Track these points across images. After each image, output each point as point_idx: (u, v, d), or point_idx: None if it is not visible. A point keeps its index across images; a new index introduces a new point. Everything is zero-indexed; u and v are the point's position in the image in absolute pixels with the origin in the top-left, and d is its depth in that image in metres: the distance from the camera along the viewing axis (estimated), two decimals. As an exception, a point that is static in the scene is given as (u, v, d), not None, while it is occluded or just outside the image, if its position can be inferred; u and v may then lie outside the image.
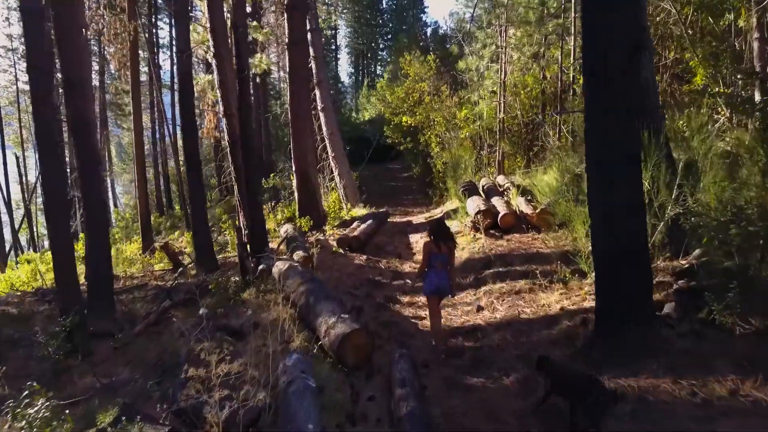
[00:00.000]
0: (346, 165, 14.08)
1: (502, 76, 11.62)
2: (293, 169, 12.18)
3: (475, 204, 8.66)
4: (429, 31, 36.79)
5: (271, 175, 24.19)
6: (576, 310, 5.25)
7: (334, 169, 14.09)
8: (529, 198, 8.58)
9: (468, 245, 8.00)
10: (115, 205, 37.06)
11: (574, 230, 7.05)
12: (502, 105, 11.69)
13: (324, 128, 14.18)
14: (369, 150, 24.65)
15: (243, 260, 8.05)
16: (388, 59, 48.73)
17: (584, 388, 3.21)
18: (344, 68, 75.02)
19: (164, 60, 30.40)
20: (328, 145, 14.13)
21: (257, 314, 6.81)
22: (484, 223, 7.98)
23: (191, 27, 13.54)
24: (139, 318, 7.76)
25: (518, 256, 7.13)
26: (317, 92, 14.22)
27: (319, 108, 14.20)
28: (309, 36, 14.22)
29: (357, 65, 53.32)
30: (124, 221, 32.98)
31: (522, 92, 12.40)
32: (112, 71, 31.42)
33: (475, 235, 8.23)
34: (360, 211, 12.82)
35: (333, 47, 50.07)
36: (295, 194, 12.14)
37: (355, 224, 10.35)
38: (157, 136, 30.62)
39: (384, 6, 51.76)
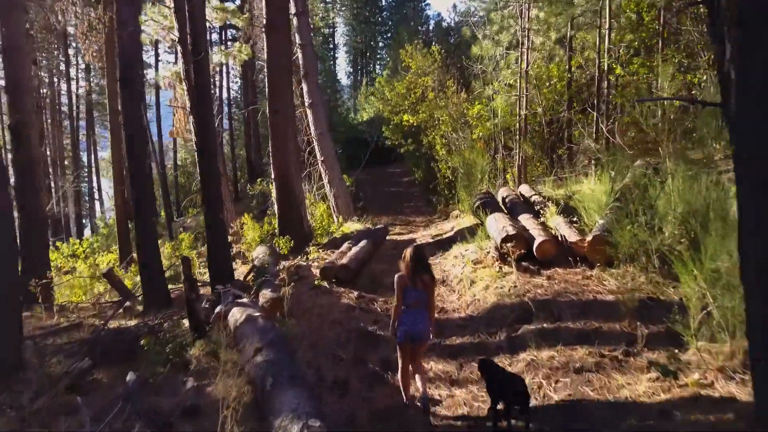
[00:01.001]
0: (337, 171, 12.05)
1: (524, 65, 9.62)
2: (272, 177, 10.16)
3: (499, 225, 6.62)
4: (432, 24, 34.62)
5: (258, 180, 22.19)
6: (686, 408, 3.22)
7: (323, 175, 12.06)
8: (573, 219, 6.50)
9: (493, 282, 5.96)
10: (102, 211, 35.06)
11: (647, 267, 5.02)
12: (524, 100, 9.71)
13: (312, 128, 12.16)
14: (366, 152, 22.66)
15: (191, 303, 6.00)
16: (387, 59, 47.04)
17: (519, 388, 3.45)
18: (342, 67, 72.94)
19: (149, 56, 28.29)
20: (316, 147, 12.11)
21: (201, 387, 4.81)
22: (515, 253, 5.93)
23: (156, 9, 11.54)
24: (55, 380, 5.75)
25: (568, 304, 5.08)
26: (304, 86, 12.20)
27: (306, 104, 12.18)
28: (295, 21, 12.23)
29: (355, 64, 51.64)
30: (108, 228, 31.00)
31: (546, 84, 10.37)
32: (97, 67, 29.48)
33: (501, 268, 6.19)
34: (353, 225, 10.79)
35: (331, 46, 48.45)
36: (275, 207, 10.11)
37: (345, 246, 8.31)
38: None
39: (383, 3, 50.06)
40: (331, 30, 49.59)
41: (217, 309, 6.15)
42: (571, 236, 6.00)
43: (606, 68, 9.31)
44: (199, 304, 6.27)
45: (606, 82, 9.55)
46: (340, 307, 6.36)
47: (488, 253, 6.69)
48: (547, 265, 5.97)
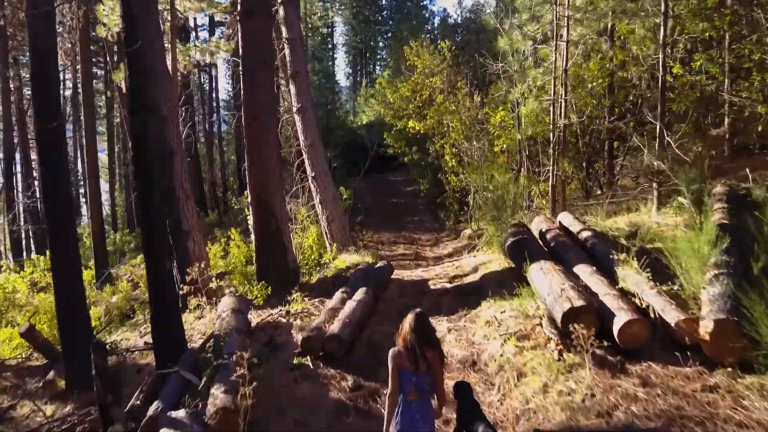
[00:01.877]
0: (331, 189, 10.08)
1: (563, 63, 7.65)
2: (249, 200, 8.21)
3: (555, 285, 4.64)
4: (436, 20, 32.55)
5: (245, 192, 20.25)
6: None
7: (314, 194, 10.10)
8: (673, 293, 4.40)
9: (553, 379, 4.00)
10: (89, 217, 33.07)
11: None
12: (561, 106, 7.74)
13: (301, 137, 10.19)
14: (366, 159, 20.72)
15: (104, 408, 4.04)
16: (388, 59, 45.36)
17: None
18: (341, 68, 71.48)
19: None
20: (306, 160, 10.15)
21: None
22: (587, 337, 3.95)
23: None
24: None
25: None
26: (292, 88, 10.25)
27: (294, 109, 10.22)
28: (281, 10, 10.30)
29: (355, 65, 49.99)
30: (90, 238, 29.07)
31: (586, 86, 8.41)
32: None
33: (561, 356, 4.22)
34: (350, 258, 8.81)
35: (330, 46, 46.84)
36: (252, 237, 8.14)
37: (338, 297, 6.32)
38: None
39: (384, 2, 48.42)
40: (330, 29, 47.97)
41: (151, 409, 4.19)
42: (670, 313, 4.02)
43: (662, 66, 7.34)
44: (120, 409, 4.30)
45: (663, 84, 7.58)
46: (327, 408, 4.39)
47: (538, 324, 4.72)
48: (634, 355, 4.00)
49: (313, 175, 10.01)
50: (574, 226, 6.73)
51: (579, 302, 4.22)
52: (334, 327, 5.31)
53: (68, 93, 28.12)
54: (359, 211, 18.93)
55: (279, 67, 12.14)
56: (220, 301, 6.72)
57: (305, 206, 10.71)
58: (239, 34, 8.02)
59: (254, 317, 6.73)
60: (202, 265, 8.82)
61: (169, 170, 8.40)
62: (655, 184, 6.85)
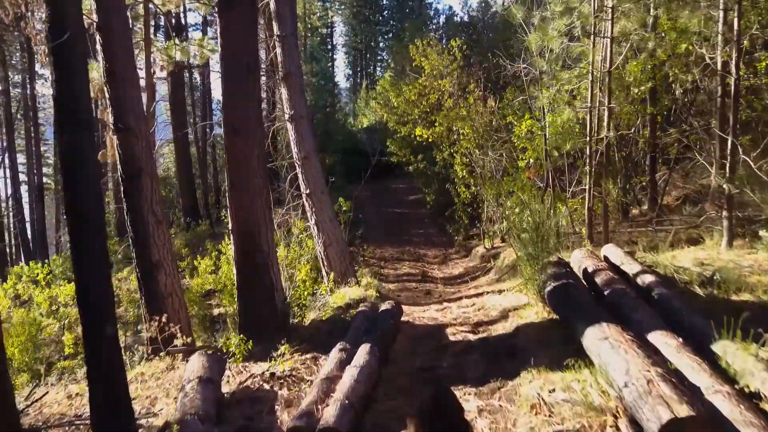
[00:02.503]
0: (327, 209, 8.78)
1: (605, 63, 6.36)
2: (229, 228, 6.92)
3: (634, 371, 3.34)
4: (442, 18, 31.17)
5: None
6: None
7: (308, 215, 8.79)
8: None
9: None
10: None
11: None
12: (600, 114, 6.44)
13: (294, 149, 8.89)
14: (367, 165, 19.43)
15: None
16: (388, 60, 44.39)
17: None
18: (341, 69, 70.81)
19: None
20: (300, 175, 8.84)
21: None
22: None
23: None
24: None
25: None
26: (284, 92, 8.96)
27: (287, 116, 8.92)
28: (273, 3, 9.01)
29: (355, 66, 49.03)
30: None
31: (626, 89, 7.14)
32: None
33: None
34: (351, 292, 7.50)
35: (329, 46, 45.87)
36: (234, 273, 6.83)
37: (334, 358, 5.00)
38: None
39: (384, 2, 47.43)
40: (330, 30, 46.99)
41: None
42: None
43: (735, 67, 6.05)
44: None
45: (736, 89, 6.27)
46: None
47: (612, 426, 3.42)
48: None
49: (307, 192, 8.70)
50: (628, 265, 5.42)
51: (684, 410, 2.90)
52: (330, 413, 4.00)
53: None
54: (360, 223, 17.64)
55: (273, 69, 10.87)
56: (188, 360, 5.40)
57: (296, 223, 9.40)
58: (218, 30, 6.73)
59: (232, 377, 5.43)
60: (175, 303, 7.60)
61: (137, 191, 7.14)
62: (724, 212, 5.55)
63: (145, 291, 7.17)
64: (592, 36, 6.62)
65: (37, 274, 17.72)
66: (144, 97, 9.37)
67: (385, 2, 46.80)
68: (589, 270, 5.41)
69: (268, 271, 6.67)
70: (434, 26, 29.83)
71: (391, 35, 44.69)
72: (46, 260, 23.12)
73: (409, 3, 45.46)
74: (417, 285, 11.34)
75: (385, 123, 15.24)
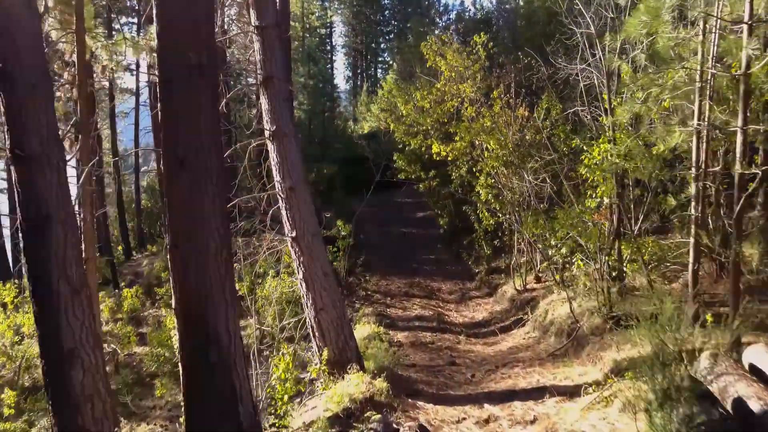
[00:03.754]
0: (321, 260, 6.53)
1: (742, 64, 4.18)
2: (172, 306, 4.72)
3: None
4: (452, 14, 28.71)
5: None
6: None
7: (295, 264, 6.55)
8: None
9: None
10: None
11: None
12: (739, 139, 4.24)
13: (276, 176, 6.66)
14: (370, 176, 17.20)
15: None
16: (390, 60, 42.37)
17: None
18: (340, 71, 69.12)
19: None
20: (283, 211, 6.62)
21: None
22: None
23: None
24: None
25: None
26: (263, 101, 6.75)
27: (266, 133, 6.71)
28: (249, -14, 6.82)
29: (355, 68, 47.03)
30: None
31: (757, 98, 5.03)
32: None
33: None
34: (352, 385, 5.27)
35: (328, 47, 43.86)
36: (180, 373, 4.62)
37: None
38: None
39: (386, 1, 45.44)
40: (329, 30, 44.92)
41: None
42: None
43: None
44: None
45: None
46: None
47: None
48: None
49: (293, 236, 6.47)
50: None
51: None
52: None
53: None
54: (361, 247, 15.42)
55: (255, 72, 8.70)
56: None
57: (278, 277, 7.18)
58: (154, 17, 4.50)
59: None
60: (97, 411, 5.37)
61: (43, 247, 4.92)
62: None
63: (53, 394, 4.94)
64: (702, 23, 4.46)
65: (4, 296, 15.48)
66: (78, 108, 7.15)
67: (386, 1, 44.83)
68: (756, 410, 3.19)
69: (228, 374, 4.44)
70: (444, 23, 27.51)
71: (392, 35, 42.73)
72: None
73: (412, 1, 43.44)
74: (433, 338, 9.13)
75: (391, 131, 13.01)
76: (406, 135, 12.41)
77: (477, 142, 9.76)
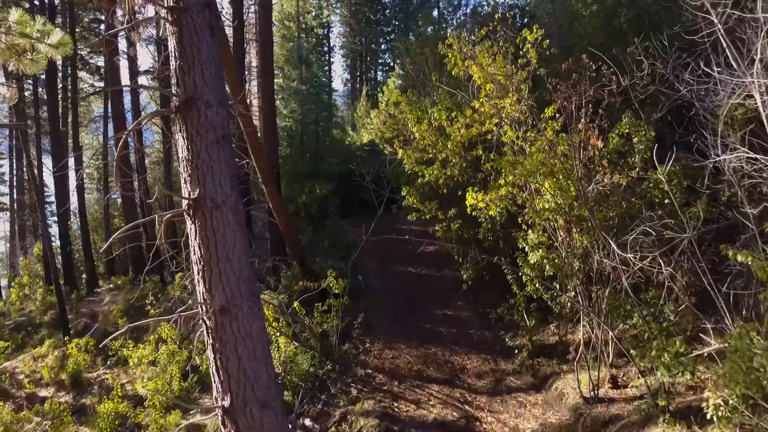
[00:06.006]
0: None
1: None
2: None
3: None
4: (467, 9, 25.26)
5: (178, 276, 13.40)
6: None
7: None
8: None
9: None
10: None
11: None
12: None
13: (199, 288, 3.56)
14: (369, 192, 14.17)
15: None
16: (392, 62, 39.42)
17: None
18: (338, 73, 66.47)
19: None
20: (212, 367, 3.52)
21: None
22: None
23: None
24: None
25: None
26: (179, 141, 3.64)
27: (183, 204, 3.62)
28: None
29: (354, 70, 44.15)
30: (19, 289, 22.48)
31: None
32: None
33: None
34: None
35: (325, 48, 40.88)
36: None
37: None
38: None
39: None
40: (326, 30, 41.86)
41: None
42: None
43: None
44: None
45: None
46: None
47: None
48: None
49: (226, 405, 3.40)
50: None
51: None
52: None
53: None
54: (359, 293, 12.31)
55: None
56: None
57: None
58: None
59: None
60: None
61: None
62: None
63: None
64: None
65: None
66: None
67: (386, 0, 41.97)
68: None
69: None
70: (458, 19, 24.27)
71: (393, 36, 39.88)
72: None
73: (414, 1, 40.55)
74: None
75: (398, 157, 9.87)
76: (418, 164, 9.30)
77: (528, 182, 6.68)
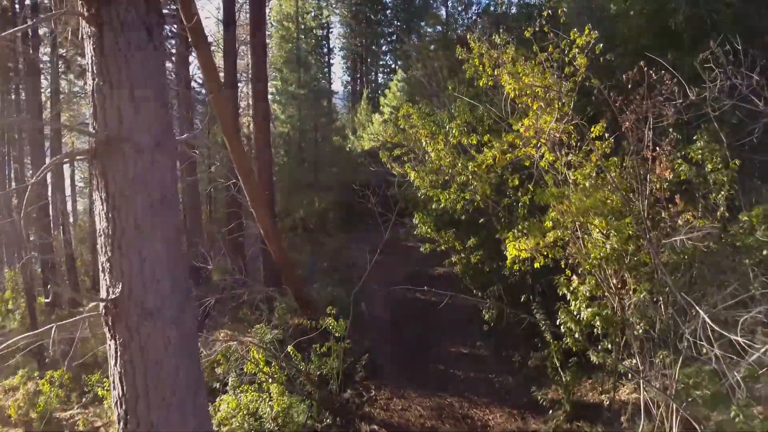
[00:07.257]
0: None
1: None
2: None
3: None
4: (478, 9, 23.66)
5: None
6: None
7: None
8: None
9: None
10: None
11: None
12: None
13: (102, 256, 2.25)
14: (370, 201, 12.71)
15: None
16: (393, 64, 38.23)
17: None
18: (338, 75, 65.44)
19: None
20: (111, 367, 2.20)
21: None
22: None
23: None
24: None
25: None
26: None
27: (90, 141, 2.32)
28: None
29: (354, 72, 42.94)
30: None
31: None
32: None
33: None
34: None
35: (325, 50, 39.69)
36: None
37: None
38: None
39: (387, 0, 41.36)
40: (326, 31, 40.59)
41: None
42: None
43: None
44: None
45: None
46: None
47: None
48: None
49: None
50: None
51: None
52: None
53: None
54: (362, 327, 10.96)
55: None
56: None
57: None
58: None
59: None
60: None
61: None
62: None
63: None
64: None
65: None
66: None
67: (388, 0, 40.73)
68: None
69: None
70: (468, 20, 22.88)
71: (394, 37, 38.72)
72: None
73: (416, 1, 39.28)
74: None
75: (410, 180, 8.50)
76: (432, 188, 7.95)
77: (578, 224, 5.34)
